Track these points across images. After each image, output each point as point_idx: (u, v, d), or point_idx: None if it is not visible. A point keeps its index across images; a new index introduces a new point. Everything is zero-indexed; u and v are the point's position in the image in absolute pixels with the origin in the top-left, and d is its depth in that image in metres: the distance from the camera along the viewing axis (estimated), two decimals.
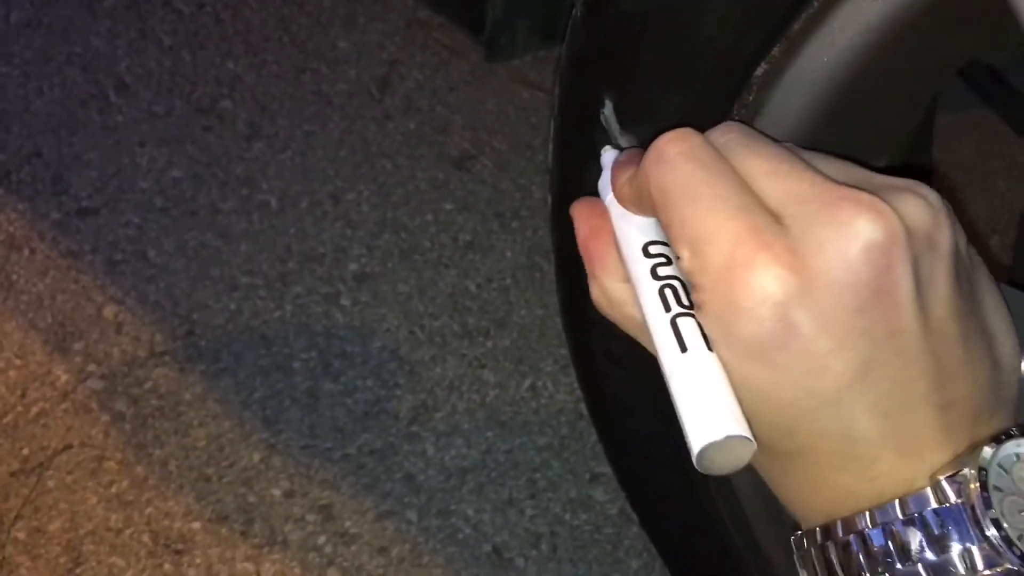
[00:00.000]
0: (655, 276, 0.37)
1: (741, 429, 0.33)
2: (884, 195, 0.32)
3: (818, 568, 0.34)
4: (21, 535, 0.80)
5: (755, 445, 0.33)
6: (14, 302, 0.93)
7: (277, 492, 0.86)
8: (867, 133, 0.48)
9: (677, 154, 0.34)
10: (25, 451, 0.84)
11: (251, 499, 0.85)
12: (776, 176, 0.33)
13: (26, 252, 0.97)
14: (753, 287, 0.31)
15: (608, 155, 0.46)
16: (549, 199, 0.61)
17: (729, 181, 0.34)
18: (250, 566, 0.81)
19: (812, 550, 0.34)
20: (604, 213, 0.40)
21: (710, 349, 0.34)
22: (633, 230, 0.38)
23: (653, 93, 0.50)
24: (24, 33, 1.14)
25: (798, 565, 0.35)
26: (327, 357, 0.95)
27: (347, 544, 0.84)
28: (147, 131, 1.08)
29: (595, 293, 0.39)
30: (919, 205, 0.32)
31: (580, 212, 0.41)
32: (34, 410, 0.87)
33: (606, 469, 0.89)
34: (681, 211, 0.34)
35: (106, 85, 1.11)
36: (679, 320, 0.35)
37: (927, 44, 0.43)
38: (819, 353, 0.31)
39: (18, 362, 0.90)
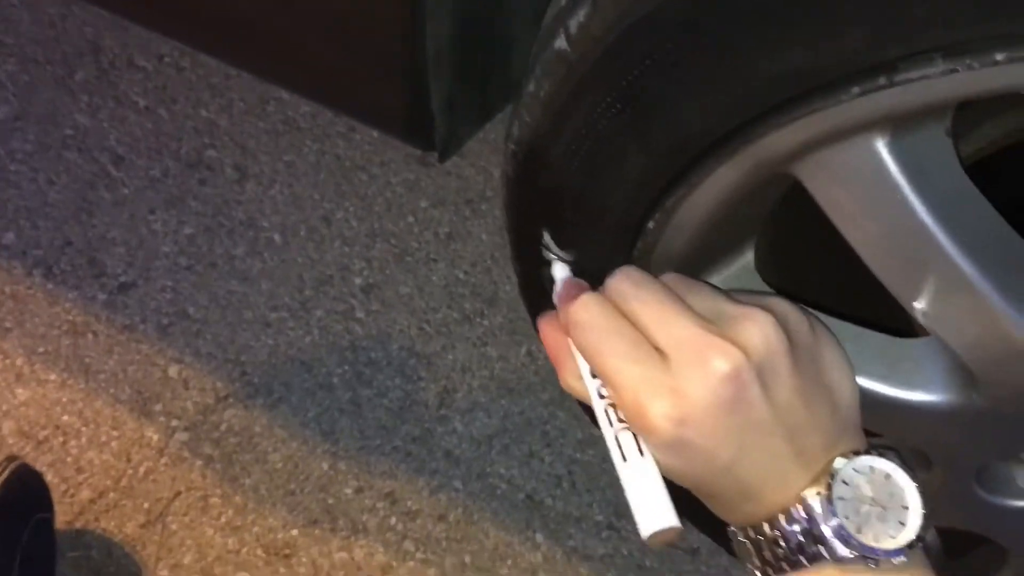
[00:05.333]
0: (600, 396, 0.54)
1: (671, 520, 0.51)
2: (731, 328, 0.50)
3: (743, 552, 0.53)
4: (164, 572, 1.02)
5: (682, 527, 0.52)
6: (95, 382, 1.12)
7: (349, 491, 1.07)
8: (725, 247, 0.66)
9: (583, 322, 0.52)
10: (146, 505, 1.05)
11: (330, 501, 1.07)
12: (660, 324, 0.50)
13: (89, 336, 1.15)
14: (653, 421, 0.49)
15: (558, 269, 0.64)
16: (518, 285, 0.79)
17: (625, 339, 0.51)
18: (344, 555, 1.04)
19: (738, 540, 0.54)
20: (562, 330, 0.56)
21: (642, 454, 0.52)
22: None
23: (577, 233, 0.67)
24: (17, 127, 1.27)
25: (734, 545, 0.55)
26: (358, 367, 1.15)
27: (413, 519, 1.06)
28: (152, 197, 1.23)
29: (564, 383, 0.57)
30: (754, 331, 0.49)
31: (545, 329, 0.57)
32: (141, 469, 1.07)
33: None
34: (597, 365, 0.52)
35: (104, 161, 1.26)
36: (620, 435, 0.52)
37: (746, 203, 0.60)
38: (708, 448, 0.50)
39: (115, 433, 1.09)
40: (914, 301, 0.56)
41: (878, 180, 0.52)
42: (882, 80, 0.46)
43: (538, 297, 0.79)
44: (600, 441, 1.10)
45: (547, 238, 0.71)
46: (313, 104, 1.31)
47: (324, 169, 1.27)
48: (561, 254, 0.72)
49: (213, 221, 1.23)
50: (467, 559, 1.05)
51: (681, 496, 0.52)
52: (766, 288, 0.68)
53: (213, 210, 1.23)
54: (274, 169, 1.26)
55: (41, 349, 1.14)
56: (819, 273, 0.71)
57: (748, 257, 0.69)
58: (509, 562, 1.05)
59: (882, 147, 0.51)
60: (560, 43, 0.57)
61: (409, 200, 1.25)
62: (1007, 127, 0.59)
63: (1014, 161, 0.61)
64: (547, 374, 1.15)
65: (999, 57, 0.43)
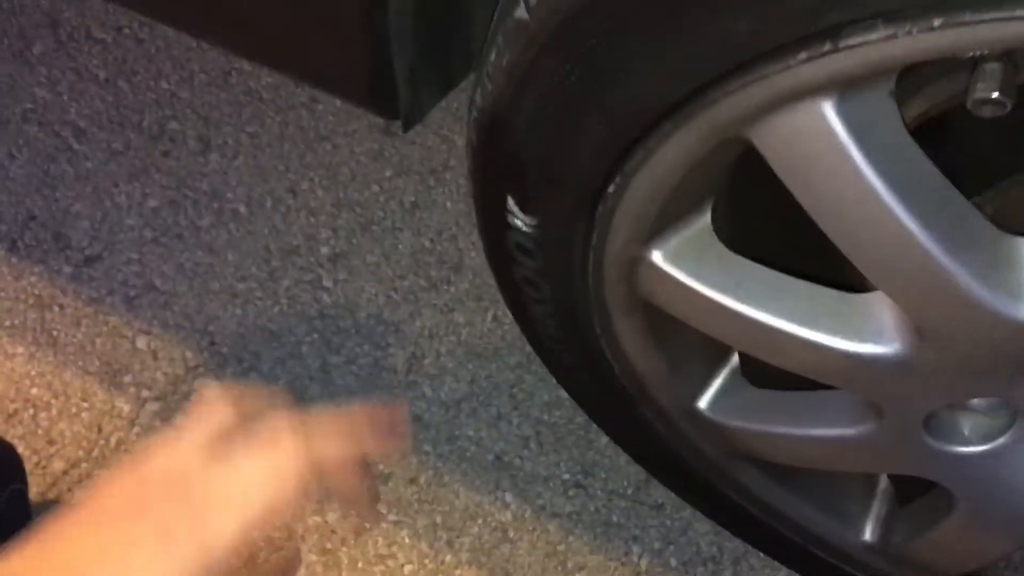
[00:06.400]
0: None
1: None
2: None
3: None
4: None
5: None
6: (63, 355, 1.13)
7: None
8: (684, 208, 0.68)
9: None
10: None
11: None
12: None
13: (56, 309, 1.15)
14: None
15: None
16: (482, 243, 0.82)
17: None
18: (318, 519, 1.06)
19: None
20: None
21: None
22: None
23: (540, 198, 0.69)
24: None
25: None
26: (326, 335, 1.16)
27: (385, 482, 1.08)
28: (115, 170, 1.23)
29: None
30: None
31: None
32: (113, 440, 1.08)
33: None
34: None
35: (65, 135, 1.25)
36: None
37: (703, 165, 0.62)
38: None
39: (85, 404, 1.10)
40: (862, 258, 0.59)
41: (825, 142, 0.54)
42: (827, 45, 0.48)
43: (504, 262, 0.81)
44: (567, 402, 1.13)
45: (511, 204, 0.73)
46: (276, 75, 1.31)
47: (288, 140, 1.27)
48: (526, 218, 0.73)
49: (178, 193, 1.23)
50: (438, 520, 1.07)
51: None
52: (724, 248, 0.70)
53: (177, 182, 1.23)
54: (238, 140, 1.27)
55: (8, 323, 1.14)
56: (774, 232, 0.74)
57: (706, 218, 0.71)
58: (480, 521, 1.07)
59: (829, 109, 0.53)
60: (520, 12, 0.58)
61: (374, 170, 1.26)
62: (950, 91, 0.62)
63: (957, 123, 0.64)
64: (513, 339, 1.18)
65: (936, 22, 0.45)
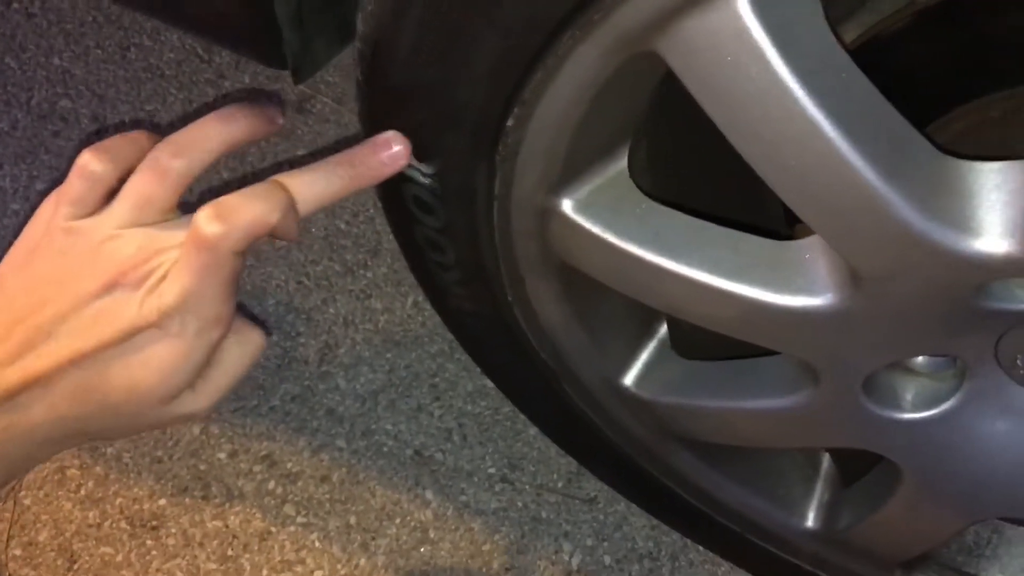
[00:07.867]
0: None
1: None
2: None
3: None
4: (17, 551, 0.93)
5: None
6: None
7: (223, 455, 1.00)
8: (596, 151, 0.61)
9: None
10: None
11: (202, 467, 0.99)
12: None
13: None
14: None
15: None
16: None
17: None
18: (219, 523, 0.96)
19: None
20: None
21: None
22: None
23: (434, 139, 0.61)
24: None
25: None
26: None
27: (293, 482, 0.99)
28: (0, 152, 1.13)
29: None
30: None
31: None
32: None
33: None
34: None
35: None
36: None
37: (614, 93, 0.55)
38: None
39: None
40: (785, 185, 0.52)
41: (740, 43, 0.47)
42: None
43: (404, 223, 0.73)
44: (492, 391, 1.05)
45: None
46: (179, 51, 1.22)
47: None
48: (421, 166, 0.66)
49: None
50: (352, 520, 0.98)
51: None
52: (641, 196, 0.63)
53: (68, 163, 1.13)
54: (136, 119, 1.17)
55: None
56: (697, 177, 0.67)
57: (622, 163, 0.64)
58: (397, 521, 0.99)
59: (744, 6, 0.46)
60: None
61: (284, 149, 1.18)
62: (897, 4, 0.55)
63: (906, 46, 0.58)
64: (435, 325, 1.10)
65: None
